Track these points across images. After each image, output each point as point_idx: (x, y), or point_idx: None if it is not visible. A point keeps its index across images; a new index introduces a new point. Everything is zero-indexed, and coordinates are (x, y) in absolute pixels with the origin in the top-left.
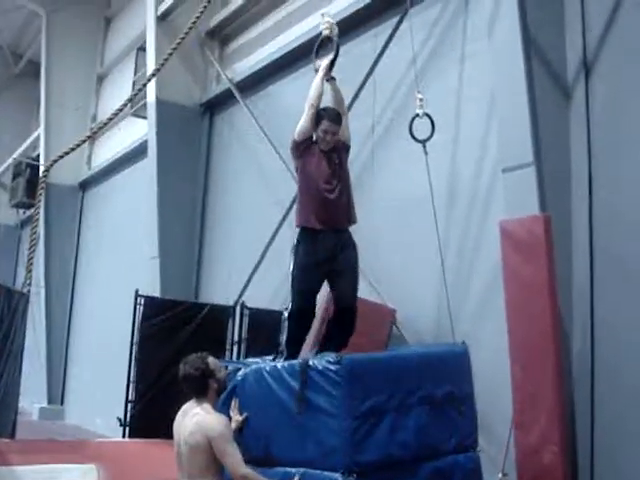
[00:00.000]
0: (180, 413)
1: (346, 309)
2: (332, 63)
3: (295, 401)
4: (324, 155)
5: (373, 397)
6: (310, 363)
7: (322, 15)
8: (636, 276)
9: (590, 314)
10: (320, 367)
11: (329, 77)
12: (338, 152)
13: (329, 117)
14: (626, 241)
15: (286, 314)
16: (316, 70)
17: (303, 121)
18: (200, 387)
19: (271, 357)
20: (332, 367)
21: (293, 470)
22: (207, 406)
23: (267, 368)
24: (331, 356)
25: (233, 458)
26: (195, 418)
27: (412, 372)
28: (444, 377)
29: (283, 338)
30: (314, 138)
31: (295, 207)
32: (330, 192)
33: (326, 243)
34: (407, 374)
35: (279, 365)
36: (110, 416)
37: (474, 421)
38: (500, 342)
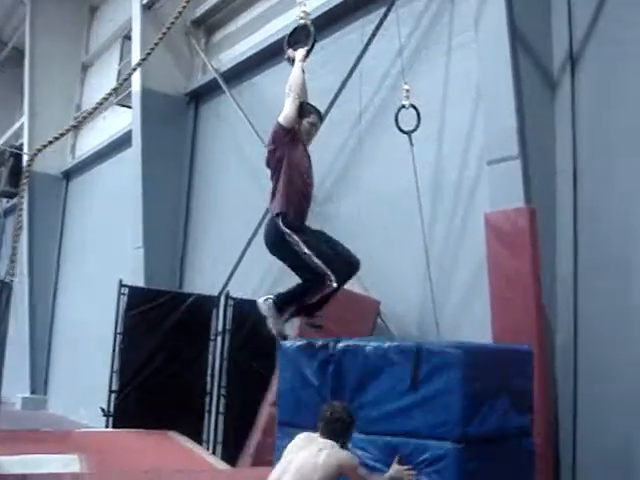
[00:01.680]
0: (304, 437)
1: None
2: (308, 52)
3: (410, 378)
4: (304, 148)
5: (479, 381)
6: (426, 347)
7: (298, 3)
8: (619, 269)
9: (574, 306)
10: (438, 350)
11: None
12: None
13: (317, 112)
14: (610, 233)
15: (335, 285)
16: (288, 59)
17: (289, 110)
18: (343, 432)
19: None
20: (453, 352)
21: (393, 440)
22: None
23: (371, 346)
24: (449, 342)
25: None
26: (329, 450)
27: (501, 364)
28: (519, 372)
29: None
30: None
31: (277, 195)
32: (310, 186)
33: None
34: (498, 366)
35: (385, 345)
36: (94, 406)
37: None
38: (484, 334)
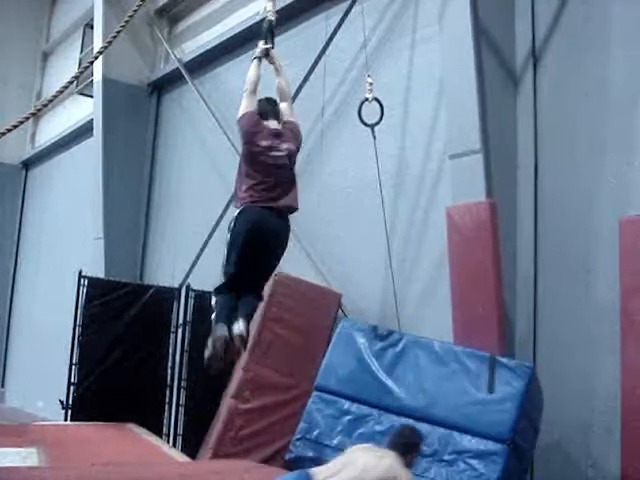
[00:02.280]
0: (366, 446)
1: None
2: (267, 49)
3: (486, 383)
4: None
5: (530, 399)
6: (498, 359)
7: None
8: (579, 263)
9: (533, 300)
10: (512, 365)
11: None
12: None
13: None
14: (570, 227)
15: None
16: (266, 54)
17: (242, 106)
18: (408, 451)
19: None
20: (526, 368)
21: (449, 432)
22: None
23: (441, 345)
24: (519, 362)
25: None
26: (393, 460)
27: (536, 391)
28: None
29: None
30: None
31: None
32: None
33: None
34: (537, 392)
35: (455, 348)
36: (52, 399)
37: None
38: (444, 326)
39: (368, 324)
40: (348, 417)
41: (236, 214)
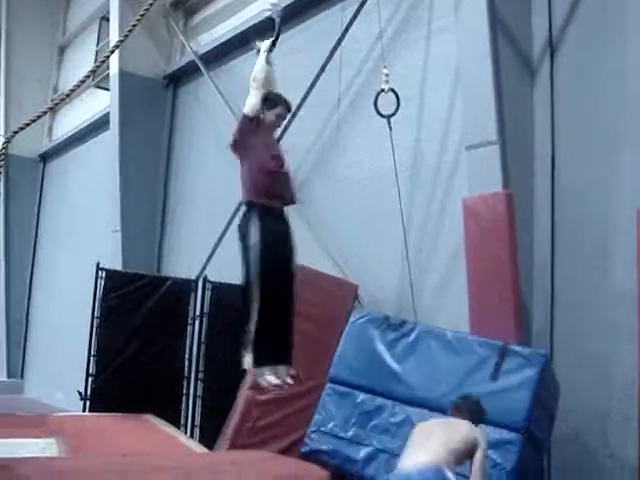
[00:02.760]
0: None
1: None
2: (273, 44)
3: (492, 371)
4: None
5: (544, 388)
6: (511, 347)
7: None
8: (596, 253)
9: (550, 290)
10: (525, 353)
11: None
12: None
13: (286, 104)
14: (587, 218)
15: None
16: (258, 51)
17: (254, 99)
18: (475, 418)
19: None
20: (540, 356)
21: None
22: None
23: (453, 334)
24: (533, 349)
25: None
26: (469, 425)
27: (551, 380)
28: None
29: None
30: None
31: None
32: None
33: None
34: (551, 380)
35: (469, 337)
36: (71, 390)
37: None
38: (461, 316)
39: (381, 314)
40: (362, 409)
41: None
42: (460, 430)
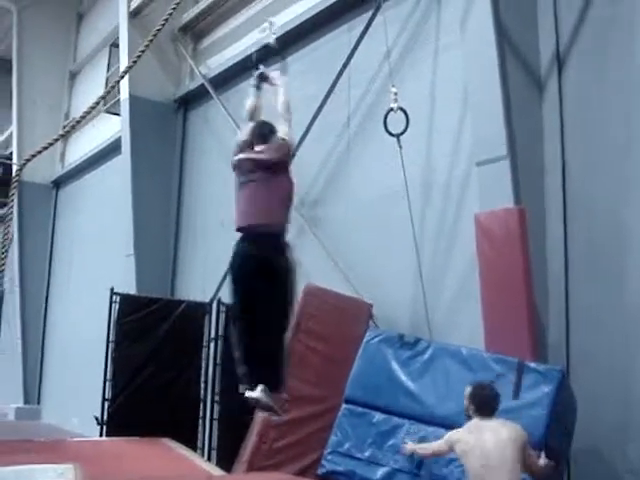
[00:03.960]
0: (472, 429)
1: None
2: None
3: (513, 389)
4: None
5: (560, 404)
6: (527, 364)
7: (270, 24)
8: (611, 266)
9: (565, 305)
10: (541, 370)
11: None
12: None
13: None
14: (600, 231)
15: None
16: (261, 76)
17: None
18: (497, 406)
19: None
20: (556, 372)
21: None
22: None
23: (469, 351)
24: (549, 366)
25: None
26: (507, 426)
27: (568, 396)
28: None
29: None
30: None
31: (280, 209)
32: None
33: None
34: (569, 396)
35: (484, 354)
36: (87, 415)
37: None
38: (476, 333)
39: (395, 333)
40: (378, 428)
41: None
42: (503, 436)
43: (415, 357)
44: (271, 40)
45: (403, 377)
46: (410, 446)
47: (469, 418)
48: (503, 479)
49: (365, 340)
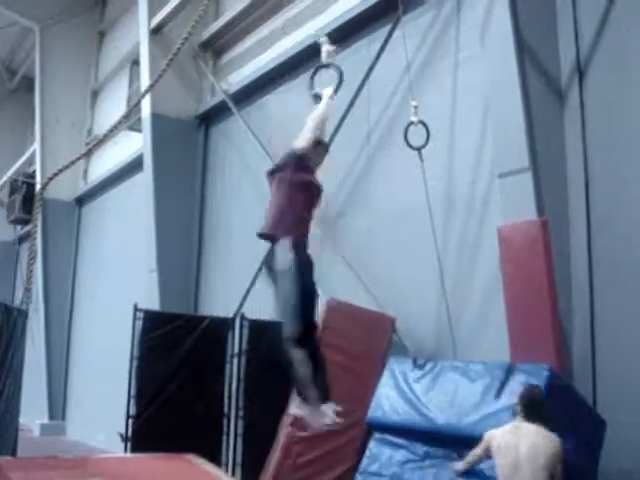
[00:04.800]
0: (512, 429)
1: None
2: (336, 90)
3: (496, 389)
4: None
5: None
6: (516, 365)
7: (320, 42)
8: (635, 277)
9: (590, 317)
10: (528, 369)
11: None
12: None
13: (327, 146)
14: (624, 242)
15: None
16: (315, 95)
17: (309, 140)
18: (542, 412)
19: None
20: (543, 370)
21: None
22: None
23: (471, 366)
24: (537, 365)
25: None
26: (545, 434)
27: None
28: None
29: None
30: None
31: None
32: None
33: None
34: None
35: (480, 365)
36: (112, 431)
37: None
38: (500, 346)
39: (412, 358)
40: (400, 448)
41: None
42: (541, 447)
43: (425, 375)
44: (323, 59)
45: (414, 394)
46: (459, 466)
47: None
48: None
49: (387, 369)
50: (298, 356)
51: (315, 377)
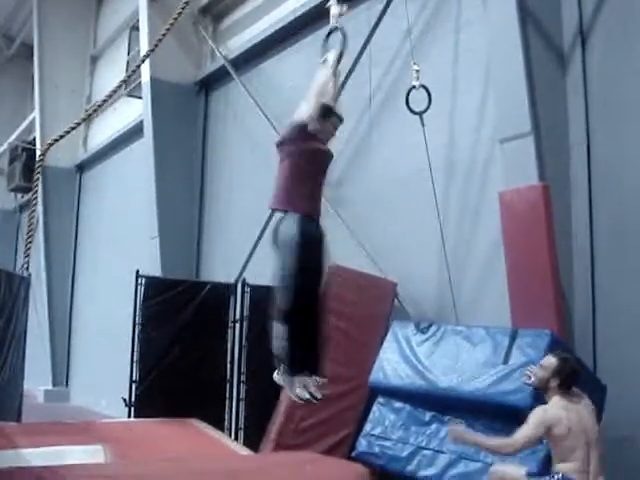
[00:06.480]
0: (567, 406)
1: None
2: (339, 57)
3: (504, 354)
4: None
5: None
6: (520, 330)
7: (329, 4)
8: (636, 243)
9: (591, 281)
10: (530, 334)
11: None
12: None
13: (340, 116)
14: (625, 207)
15: None
16: (325, 62)
17: (311, 109)
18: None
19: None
20: (545, 335)
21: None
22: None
23: (474, 330)
24: (539, 330)
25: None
26: (585, 399)
27: None
28: None
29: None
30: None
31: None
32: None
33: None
34: None
35: (483, 329)
36: (115, 397)
37: None
38: (501, 311)
39: (414, 322)
40: (406, 415)
41: None
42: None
43: (428, 339)
44: (333, 22)
45: (417, 357)
46: (457, 433)
47: (536, 390)
48: (598, 456)
49: (390, 330)
50: (279, 329)
51: (308, 350)
